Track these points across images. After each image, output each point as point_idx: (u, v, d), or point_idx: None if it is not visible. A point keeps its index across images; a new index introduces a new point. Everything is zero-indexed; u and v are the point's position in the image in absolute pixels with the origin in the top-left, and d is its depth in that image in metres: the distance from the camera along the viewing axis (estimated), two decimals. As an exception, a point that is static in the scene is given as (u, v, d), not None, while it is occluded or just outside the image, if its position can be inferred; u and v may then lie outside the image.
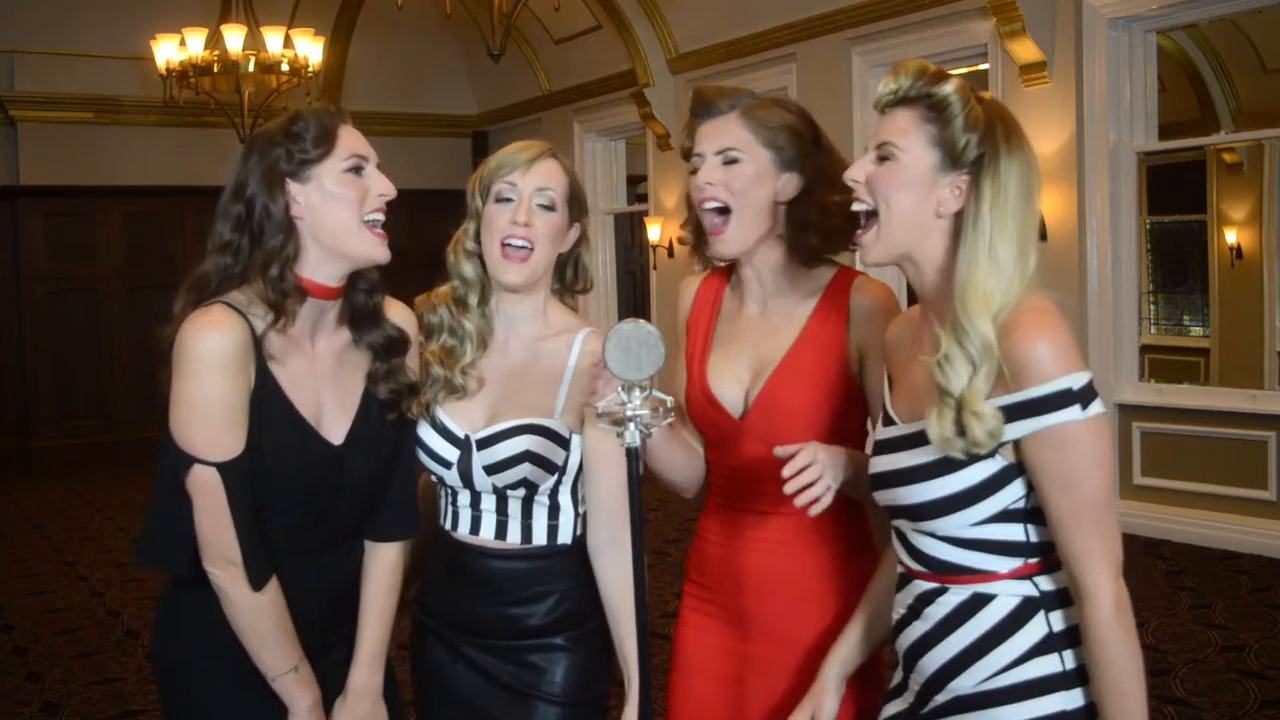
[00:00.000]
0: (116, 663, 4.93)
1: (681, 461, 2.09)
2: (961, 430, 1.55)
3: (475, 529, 2.06)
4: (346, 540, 1.97)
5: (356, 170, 1.86)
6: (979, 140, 1.61)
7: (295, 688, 1.85)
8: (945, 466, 1.59)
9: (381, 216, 1.89)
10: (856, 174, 1.68)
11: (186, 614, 1.89)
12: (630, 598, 1.96)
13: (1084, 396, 1.53)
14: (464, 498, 2.06)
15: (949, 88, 1.63)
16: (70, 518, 8.18)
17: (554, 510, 2.06)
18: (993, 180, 1.59)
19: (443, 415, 2.03)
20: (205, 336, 1.75)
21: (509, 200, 2.04)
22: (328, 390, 1.90)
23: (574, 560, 2.06)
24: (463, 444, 2.02)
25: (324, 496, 1.88)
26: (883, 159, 1.66)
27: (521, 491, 2.03)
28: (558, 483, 2.04)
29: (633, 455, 1.63)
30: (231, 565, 1.78)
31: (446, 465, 2.03)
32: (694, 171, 2.04)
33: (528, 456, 2.00)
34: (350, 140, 1.87)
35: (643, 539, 1.72)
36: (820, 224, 2.00)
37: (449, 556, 2.08)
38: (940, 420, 1.57)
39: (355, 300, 1.93)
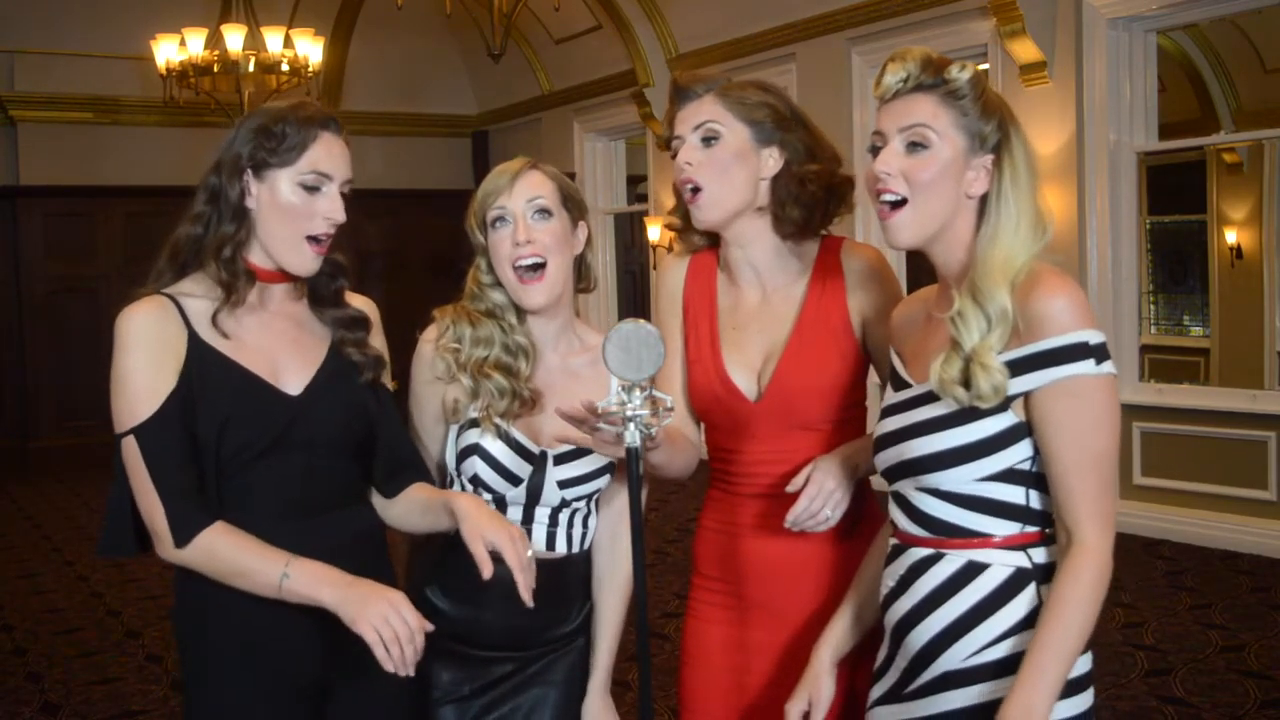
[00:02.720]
0: (116, 663, 4.93)
1: (681, 457, 2.09)
2: (967, 381, 1.59)
3: None
4: (342, 504, 1.95)
5: (314, 188, 1.88)
6: (996, 125, 1.66)
7: (301, 588, 1.78)
8: (957, 419, 1.62)
9: (327, 233, 1.91)
10: (889, 165, 1.67)
11: (195, 592, 1.88)
12: (617, 592, 2.11)
13: (1098, 353, 1.58)
14: (514, 513, 2.05)
15: (966, 75, 1.66)
16: (70, 518, 8.18)
17: (588, 517, 2.11)
18: (1010, 159, 1.66)
19: (513, 430, 2.02)
20: (129, 319, 1.84)
21: (504, 221, 2.04)
22: (285, 350, 1.93)
23: (589, 563, 2.13)
24: (537, 459, 2.03)
25: (292, 452, 1.88)
26: (915, 144, 1.66)
27: (584, 504, 2.08)
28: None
29: (633, 455, 1.64)
30: (166, 534, 1.80)
31: (516, 481, 2.03)
32: (675, 156, 2.05)
33: (609, 469, 2.05)
34: (320, 156, 1.88)
35: (643, 539, 1.72)
36: (800, 195, 2.02)
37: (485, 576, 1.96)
38: (946, 365, 1.62)
39: (316, 282, 1.98)
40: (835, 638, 1.87)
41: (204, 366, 1.85)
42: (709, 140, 2.01)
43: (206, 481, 1.85)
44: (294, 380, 1.92)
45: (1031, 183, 1.67)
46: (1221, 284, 9.77)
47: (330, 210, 1.89)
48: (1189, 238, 10.34)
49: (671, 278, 2.18)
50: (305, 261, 1.90)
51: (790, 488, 1.93)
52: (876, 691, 1.78)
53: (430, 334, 2.09)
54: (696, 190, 2.01)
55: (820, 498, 1.91)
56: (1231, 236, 9.65)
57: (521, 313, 2.08)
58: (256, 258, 1.92)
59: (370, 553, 1.99)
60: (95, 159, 10.44)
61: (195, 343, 1.86)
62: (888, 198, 1.68)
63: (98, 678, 4.74)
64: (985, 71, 7.08)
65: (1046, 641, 1.56)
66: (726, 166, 2.00)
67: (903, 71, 1.67)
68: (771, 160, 2.02)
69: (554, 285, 2.04)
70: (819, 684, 1.84)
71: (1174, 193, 10.03)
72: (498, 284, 2.08)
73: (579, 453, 2.02)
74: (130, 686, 4.62)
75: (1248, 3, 6.45)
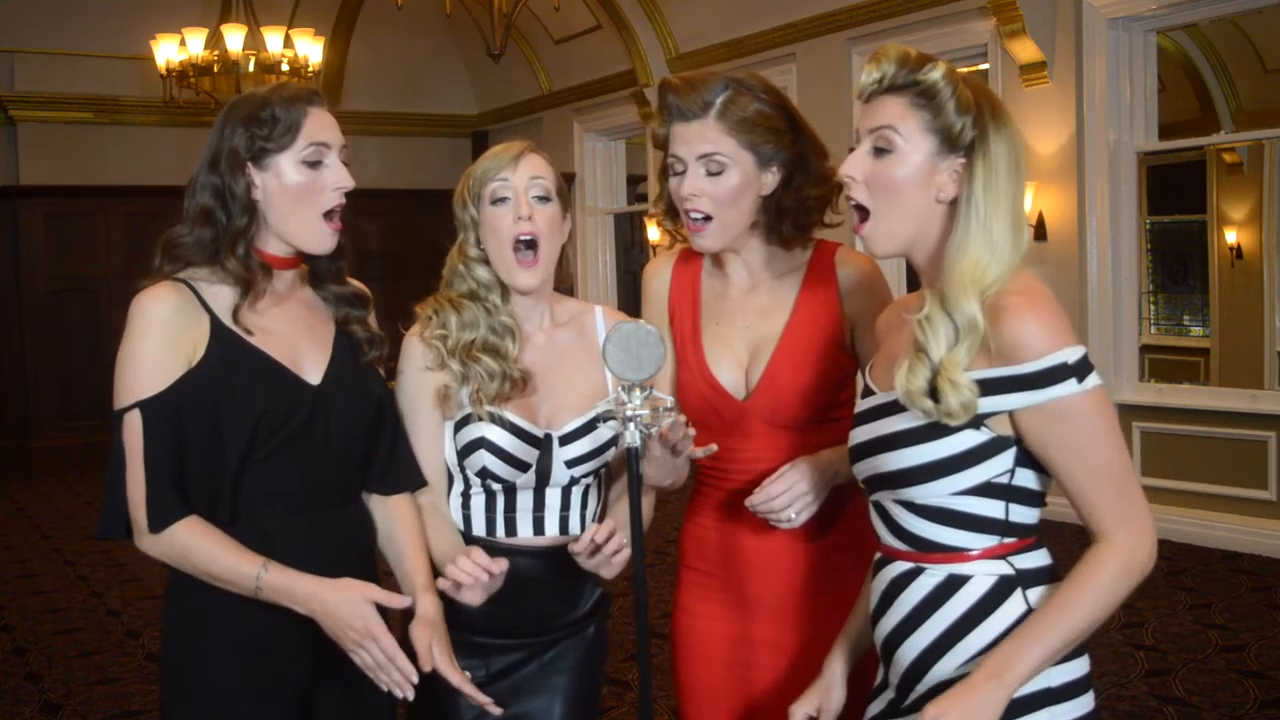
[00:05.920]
0: (116, 663, 4.93)
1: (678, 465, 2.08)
2: (934, 395, 1.56)
3: (539, 529, 2.06)
4: (346, 499, 1.95)
5: (316, 162, 1.88)
6: (972, 123, 1.60)
7: (281, 588, 1.79)
8: (931, 432, 1.58)
9: (339, 204, 1.90)
10: (853, 170, 1.65)
11: (191, 602, 1.88)
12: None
13: (1080, 370, 1.53)
14: (525, 500, 2.05)
15: (937, 73, 1.61)
16: (70, 518, 8.18)
17: (598, 490, 2.12)
18: (984, 160, 1.59)
19: (512, 416, 2.02)
20: (146, 303, 1.83)
21: (505, 199, 2.05)
22: (303, 336, 1.93)
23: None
24: (542, 443, 2.03)
25: (310, 442, 1.87)
26: (880, 150, 1.63)
27: (592, 479, 2.08)
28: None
29: (633, 455, 1.64)
30: (144, 519, 1.78)
31: (524, 467, 2.02)
32: (677, 172, 2.03)
33: (614, 443, 2.05)
34: (314, 128, 1.88)
35: (643, 540, 1.72)
36: (795, 213, 2.04)
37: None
38: (911, 374, 1.57)
39: (317, 264, 1.98)
40: (847, 649, 1.84)
41: (228, 353, 1.83)
42: (715, 173, 1.99)
43: (218, 475, 1.82)
44: (313, 368, 1.91)
45: (1011, 187, 1.59)
46: (1221, 284, 9.77)
47: (338, 180, 1.89)
48: (1189, 238, 10.34)
49: (657, 282, 2.18)
50: (324, 240, 1.91)
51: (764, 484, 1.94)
52: (874, 709, 1.75)
53: (416, 329, 2.09)
54: (705, 219, 2.01)
55: (787, 496, 1.91)
56: (1231, 236, 9.65)
57: (506, 291, 2.09)
58: (267, 247, 1.91)
59: (369, 549, 1.99)
60: (95, 159, 10.44)
61: (219, 329, 1.84)
62: (852, 202, 1.67)
63: (98, 678, 4.74)
64: (985, 71, 7.07)
65: (1048, 609, 1.54)
66: (735, 198, 2.00)
67: (877, 72, 1.63)
68: (770, 178, 2.03)
69: (545, 269, 2.07)
70: (829, 694, 1.82)
71: (1174, 193, 10.03)
72: (485, 260, 2.08)
73: (583, 431, 2.04)
74: (130, 686, 4.62)
75: (1248, 3, 6.46)
